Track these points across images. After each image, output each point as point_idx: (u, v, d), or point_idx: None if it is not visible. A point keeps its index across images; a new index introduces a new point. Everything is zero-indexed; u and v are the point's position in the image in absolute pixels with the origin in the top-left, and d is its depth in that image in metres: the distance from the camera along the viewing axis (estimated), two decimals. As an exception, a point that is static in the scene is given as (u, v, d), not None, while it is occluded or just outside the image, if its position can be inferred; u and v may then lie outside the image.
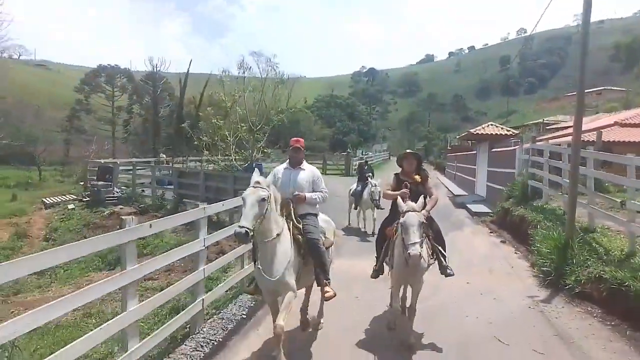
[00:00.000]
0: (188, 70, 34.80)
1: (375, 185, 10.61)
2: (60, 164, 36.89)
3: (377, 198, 10.36)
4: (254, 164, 13.35)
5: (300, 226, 4.60)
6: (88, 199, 16.38)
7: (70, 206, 16.24)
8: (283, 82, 18.18)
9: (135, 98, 49.63)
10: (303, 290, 5.02)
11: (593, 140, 11.80)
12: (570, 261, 6.54)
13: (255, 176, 4.24)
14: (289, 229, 4.44)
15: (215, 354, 4.76)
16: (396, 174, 5.30)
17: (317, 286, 4.80)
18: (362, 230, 11.13)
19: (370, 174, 11.70)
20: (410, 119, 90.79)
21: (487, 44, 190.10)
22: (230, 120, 15.16)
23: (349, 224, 11.67)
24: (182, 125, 21.80)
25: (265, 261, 4.20)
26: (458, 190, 19.76)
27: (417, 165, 5.21)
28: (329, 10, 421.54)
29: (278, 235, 4.18)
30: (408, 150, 5.52)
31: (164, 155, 27.93)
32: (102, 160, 19.88)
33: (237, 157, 14.90)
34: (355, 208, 11.49)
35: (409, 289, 5.07)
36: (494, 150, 15.99)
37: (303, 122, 70.06)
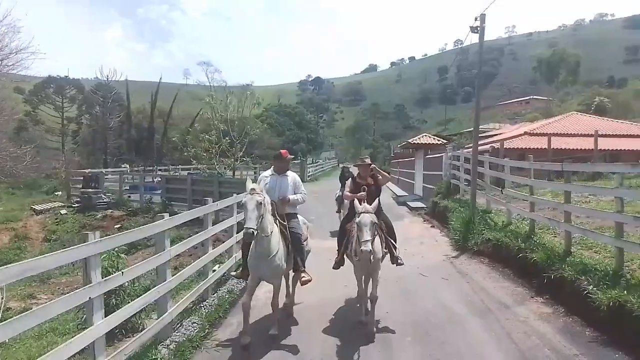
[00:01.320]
0: (159, 86, 36.41)
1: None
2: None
3: None
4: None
5: (285, 223, 5.54)
6: (78, 205, 18.19)
7: (63, 211, 17.96)
8: (249, 92, 20.84)
9: (85, 108, 49.90)
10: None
11: (504, 147, 15.58)
12: (472, 232, 9.80)
13: (250, 184, 5.08)
14: (277, 226, 5.35)
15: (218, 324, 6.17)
16: (353, 178, 6.23)
17: (294, 272, 5.89)
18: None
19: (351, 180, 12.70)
20: (355, 127, 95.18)
21: (426, 54, 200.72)
22: (214, 134, 17.78)
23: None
24: (173, 139, 23.84)
25: (262, 252, 5.12)
26: (400, 192, 23.20)
27: (371, 170, 6.06)
28: (273, 18, 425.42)
29: (272, 231, 5.11)
30: (365, 159, 6.32)
31: (127, 165, 29.55)
32: (87, 171, 21.53)
33: (221, 165, 17.52)
34: (339, 211, 12.34)
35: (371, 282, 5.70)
36: (427, 156, 19.55)
37: (253, 132, 72.23)
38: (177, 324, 5.73)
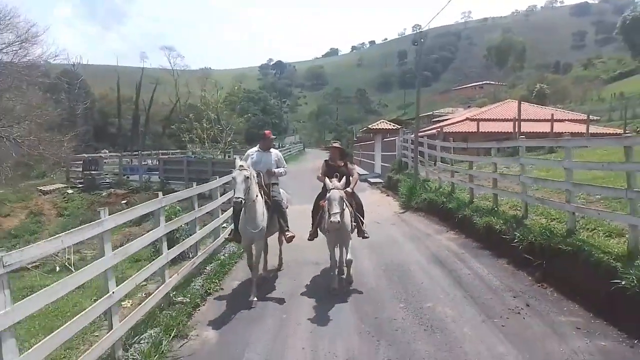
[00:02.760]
0: (141, 77, 38.22)
1: None
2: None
3: None
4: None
5: (268, 192, 6.58)
6: (82, 185, 20.72)
7: (70, 191, 20.40)
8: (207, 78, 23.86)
9: (50, 95, 50.52)
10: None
11: (448, 132, 19.36)
12: (414, 195, 13.38)
13: (239, 161, 6.07)
14: (261, 194, 6.30)
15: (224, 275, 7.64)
16: (326, 161, 6.93)
17: (280, 233, 6.86)
18: None
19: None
20: (319, 112, 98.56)
21: (386, 39, 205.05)
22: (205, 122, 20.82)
23: None
24: (172, 126, 26.35)
25: (250, 216, 6.08)
26: (362, 172, 26.77)
27: (341, 153, 7.00)
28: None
29: (257, 197, 6.09)
30: (334, 143, 7.46)
31: (106, 151, 31.78)
32: (86, 155, 23.88)
33: (213, 149, 20.60)
34: None
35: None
36: (385, 140, 23.16)
37: (239, 119, 74.07)
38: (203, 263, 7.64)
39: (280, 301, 6.31)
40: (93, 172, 20.61)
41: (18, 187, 19.54)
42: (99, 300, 4.25)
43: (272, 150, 7.05)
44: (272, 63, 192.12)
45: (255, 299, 6.17)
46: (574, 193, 6.54)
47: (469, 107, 50.95)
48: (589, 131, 19.48)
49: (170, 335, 5.02)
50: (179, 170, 19.26)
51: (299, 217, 8.01)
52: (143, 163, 21.88)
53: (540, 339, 4.76)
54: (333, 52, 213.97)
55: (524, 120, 19.46)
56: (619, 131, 21.91)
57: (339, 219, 5.71)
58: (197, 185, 7.72)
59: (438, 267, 7.56)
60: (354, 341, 4.99)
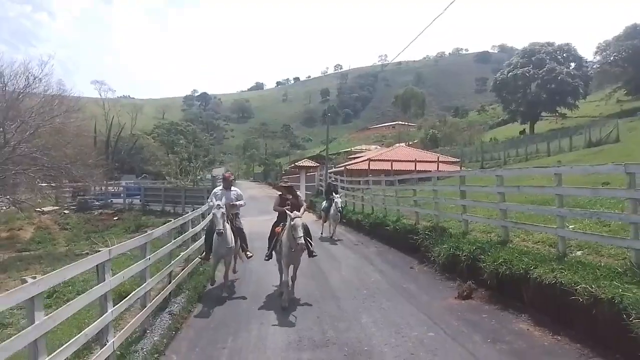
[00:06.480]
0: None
1: (339, 202, 14.47)
2: None
3: (341, 210, 14.72)
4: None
5: (233, 220, 8.63)
6: (74, 207, 27.12)
7: (66, 211, 26.60)
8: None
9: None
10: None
11: (352, 169, 28.56)
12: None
13: (215, 200, 8.04)
14: (228, 223, 8.16)
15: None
16: (280, 195, 8.61)
17: (242, 252, 8.84)
18: (324, 235, 15.29)
19: (334, 193, 15.24)
20: (246, 145, 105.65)
21: (309, 76, 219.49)
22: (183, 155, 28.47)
23: (322, 234, 15.26)
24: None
25: (223, 240, 7.85)
26: (291, 198, 35.59)
27: (289, 190, 8.68)
28: (156, 27, 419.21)
29: (225, 227, 7.90)
30: (283, 184, 9.45)
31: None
32: (75, 184, 30.14)
33: (185, 179, 28.11)
34: (325, 221, 15.41)
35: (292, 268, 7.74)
36: (308, 174, 32.07)
37: (147, 148, 78.82)
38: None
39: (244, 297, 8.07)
40: (85, 196, 27.08)
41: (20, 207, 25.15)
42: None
43: (232, 188, 9.11)
44: (196, 94, 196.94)
45: (226, 294, 8.04)
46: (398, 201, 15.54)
47: (377, 147, 61.67)
48: (439, 168, 29.64)
49: None
50: (157, 195, 26.34)
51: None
52: (111, 189, 29.27)
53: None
54: (258, 86, 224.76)
55: (398, 161, 29.40)
56: (461, 168, 32.55)
57: (303, 241, 6.95)
58: (172, 205, 13.29)
59: (333, 242, 16.06)
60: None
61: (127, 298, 5.71)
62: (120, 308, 5.36)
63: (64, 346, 4.05)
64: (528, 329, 5.85)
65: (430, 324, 6.26)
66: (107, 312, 4.90)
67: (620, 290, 4.87)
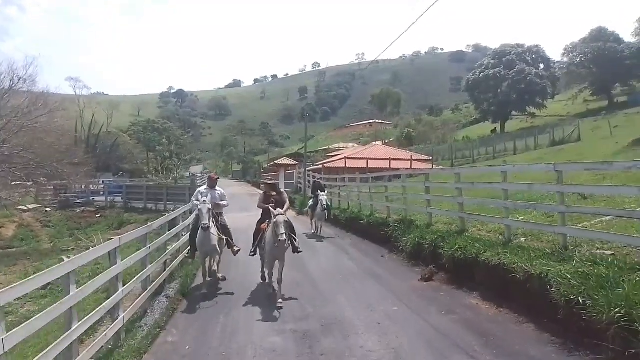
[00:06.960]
0: None
1: (324, 200, 14.68)
2: None
3: (327, 208, 14.80)
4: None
5: (218, 218, 8.85)
6: (56, 205, 27.32)
7: (48, 209, 26.78)
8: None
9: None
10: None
11: (329, 167, 29.55)
12: (304, 206, 23.03)
13: (201, 197, 8.32)
14: (213, 221, 8.39)
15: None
16: (264, 192, 8.87)
17: (228, 248, 9.04)
18: (312, 232, 15.45)
19: (319, 191, 15.22)
20: (224, 143, 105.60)
21: (287, 74, 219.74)
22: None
23: (312, 230, 15.58)
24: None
25: (207, 237, 8.08)
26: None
27: (272, 187, 8.93)
28: (131, 20, 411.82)
29: (212, 224, 8.16)
30: (268, 181, 10.18)
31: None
32: (55, 182, 30.20)
33: (167, 176, 28.64)
34: (312, 219, 15.60)
35: (277, 266, 7.73)
36: (286, 172, 32.97)
37: (123, 146, 78.37)
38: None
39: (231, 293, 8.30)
40: (67, 194, 27.35)
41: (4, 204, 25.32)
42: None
43: (217, 187, 9.36)
44: (173, 91, 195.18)
45: (206, 291, 8.16)
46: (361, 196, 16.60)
47: (354, 146, 62.93)
48: (412, 166, 30.91)
49: None
50: (139, 193, 26.78)
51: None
52: (109, 183, 29.48)
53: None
54: (236, 83, 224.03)
55: (374, 159, 30.55)
56: (433, 166, 33.90)
57: (286, 238, 7.15)
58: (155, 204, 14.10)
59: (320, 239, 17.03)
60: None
61: (133, 280, 6.63)
62: (128, 287, 6.23)
63: (91, 313, 5.01)
64: (477, 304, 6.90)
65: (396, 301, 7.26)
66: (118, 290, 5.78)
67: (547, 267, 5.92)
